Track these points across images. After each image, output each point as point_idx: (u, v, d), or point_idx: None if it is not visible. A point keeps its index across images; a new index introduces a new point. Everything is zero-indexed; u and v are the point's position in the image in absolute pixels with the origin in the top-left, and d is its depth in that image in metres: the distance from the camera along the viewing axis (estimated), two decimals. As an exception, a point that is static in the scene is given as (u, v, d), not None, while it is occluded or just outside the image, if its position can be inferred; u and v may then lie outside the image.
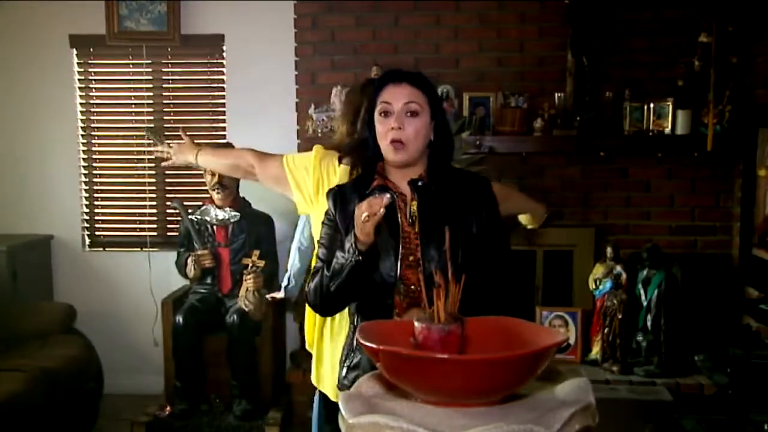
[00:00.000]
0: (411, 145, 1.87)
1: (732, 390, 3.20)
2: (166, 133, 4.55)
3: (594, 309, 3.79)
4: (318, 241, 2.02)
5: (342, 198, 1.97)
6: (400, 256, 1.87)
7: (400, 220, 1.90)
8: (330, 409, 2.51)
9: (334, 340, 2.41)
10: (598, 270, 3.79)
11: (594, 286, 3.78)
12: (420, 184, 1.90)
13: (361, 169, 2.16)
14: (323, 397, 2.53)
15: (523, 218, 3.04)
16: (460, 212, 1.89)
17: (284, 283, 3.42)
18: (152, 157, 4.51)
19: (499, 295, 1.88)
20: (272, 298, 3.72)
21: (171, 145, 2.82)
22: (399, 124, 1.86)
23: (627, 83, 4.00)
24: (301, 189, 2.44)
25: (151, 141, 3.03)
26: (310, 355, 2.60)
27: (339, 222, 1.95)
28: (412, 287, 1.87)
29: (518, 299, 2.02)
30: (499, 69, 4.17)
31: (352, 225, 1.87)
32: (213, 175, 3.83)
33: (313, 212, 2.47)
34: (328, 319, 2.46)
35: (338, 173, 2.41)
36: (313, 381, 2.53)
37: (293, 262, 3.27)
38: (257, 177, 2.57)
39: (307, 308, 2.59)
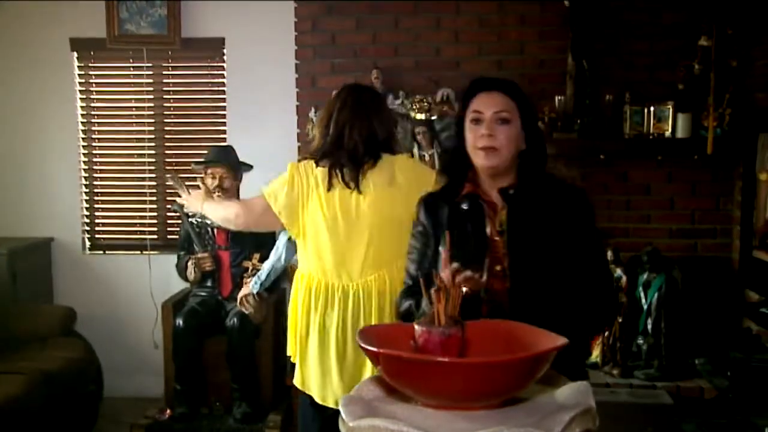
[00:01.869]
0: (503, 151, 1.84)
1: (732, 393, 3.20)
2: (167, 136, 4.57)
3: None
4: (407, 255, 2.02)
5: (431, 205, 1.97)
6: (486, 266, 1.84)
7: (488, 229, 1.88)
8: (315, 409, 2.58)
9: (321, 345, 2.48)
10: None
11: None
12: (511, 192, 1.88)
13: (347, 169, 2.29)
14: (312, 400, 2.59)
15: None
16: (551, 222, 1.86)
17: (260, 278, 3.38)
18: (153, 161, 4.55)
19: (590, 305, 1.85)
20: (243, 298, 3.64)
21: (190, 192, 2.94)
22: (490, 131, 1.84)
23: (627, 86, 4.00)
24: (289, 208, 2.48)
25: (176, 185, 3.18)
26: None
27: (429, 230, 1.95)
28: (497, 296, 1.85)
29: (611, 311, 1.98)
30: (500, 72, 4.15)
31: (442, 234, 1.88)
32: (213, 178, 3.84)
33: (305, 219, 2.51)
34: (314, 325, 2.51)
35: (317, 175, 2.47)
36: (297, 383, 2.60)
37: (279, 258, 3.26)
38: (248, 222, 2.63)
39: (290, 316, 2.63)
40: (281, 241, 3.27)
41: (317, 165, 2.49)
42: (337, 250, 2.48)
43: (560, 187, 1.93)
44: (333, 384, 2.51)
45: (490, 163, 1.85)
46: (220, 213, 2.71)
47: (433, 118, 3.81)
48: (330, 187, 2.44)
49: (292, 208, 2.49)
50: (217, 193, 3.83)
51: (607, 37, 4.03)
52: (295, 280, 2.62)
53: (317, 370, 2.53)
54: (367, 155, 2.45)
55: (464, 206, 1.90)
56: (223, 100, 4.50)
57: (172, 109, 4.60)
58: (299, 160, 2.62)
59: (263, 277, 3.36)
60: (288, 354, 2.71)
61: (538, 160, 1.91)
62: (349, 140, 2.45)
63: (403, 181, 2.48)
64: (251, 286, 3.37)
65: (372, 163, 2.45)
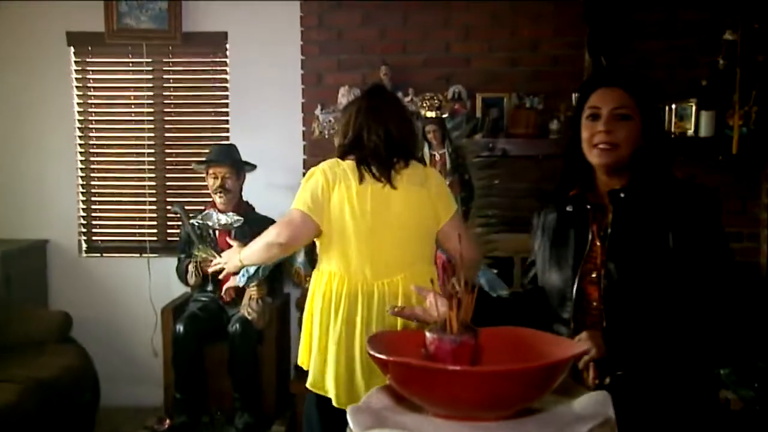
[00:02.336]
0: (621, 147, 1.81)
1: (759, 405, 3.18)
2: (167, 134, 4.58)
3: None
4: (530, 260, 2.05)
5: (542, 207, 2.00)
6: (580, 271, 1.84)
7: (591, 232, 1.86)
8: (328, 413, 2.59)
9: (344, 347, 2.47)
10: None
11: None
12: (622, 195, 1.83)
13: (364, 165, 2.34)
14: (319, 401, 2.60)
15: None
16: (662, 229, 1.78)
17: (248, 272, 3.35)
18: (152, 159, 4.56)
19: (701, 326, 1.76)
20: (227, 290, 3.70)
21: (221, 255, 2.95)
22: (607, 128, 1.81)
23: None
24: (317, 205, 2.51)
25: (204, 256, 3.37)
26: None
27: (536, 232, 1.98)
28: (594, 304, 1.84)
29: (727, 333, 1.81)
30: (513, 69, 4.17)
31: (546, 236, 1.92)
32: (215, 178, 3.85)
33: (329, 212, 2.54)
34: (334, 326, 2.51)
35: (344, 168, 2.51)
36: (312, 386, 2.58)
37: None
38: (290, 236, 2.55)
39: (306, 317, 2.63)
40: None
41: (344, 159, 2.57)
42: (364, 246, 2.49)
43: (683, 189, 1.84)
44: (358, 387, 2.50)
45: (606, 160, 1.82)
46: (261, 243, 2.64)
47: (444, 116, 3.82)
48: (361, 179, 2.48)
49: (319, 205, 2.50)
50: (219, 194, 3.84)
51: (625, 32, 4.02)
52: (314, 279, 2.62)
53: (340, 373, 2.52)
54: (392, 155, 2.52)
55: (568, 209, 1.90)
56: (226, 97, 4.51)
57: (172, 106, 4.61)
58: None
59: (251, 271, 3.34)
60: (299, 362, 2.69)
61: (656, 159, 1.85)
62: (368, 141, 2.53)
63: (434, 185, 2.58)
64: (237, 279, 3.36)
65: (404, 163, 2.52)
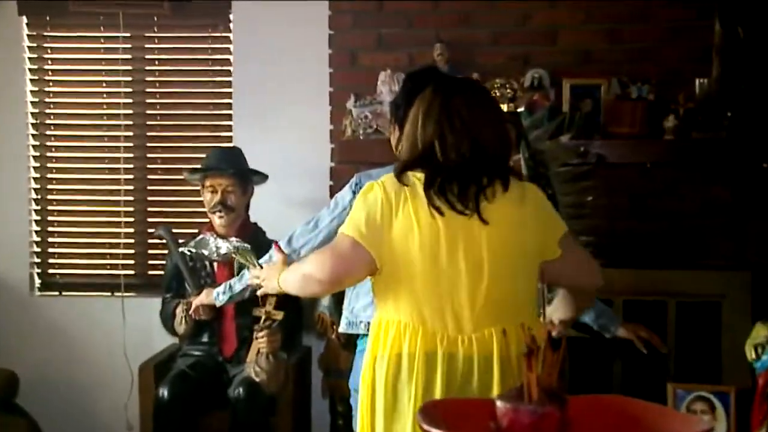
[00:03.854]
0: None
1: None
2: (150, 134, 4.64)
3: (755, 388, 3.74)
4: None
5: None
6: None
7: None
8: None
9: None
10: (761, 332, 3.75)
11: (754, 356, 3.74)
12: None
13: None
14: None
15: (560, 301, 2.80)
16: None
17: (232, 289, 3.35)
18: (131, 167, 4.63)
19: None
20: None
21: (262, 266, 2.95)
22: None
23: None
24: (374, 232, 2.43)
25: (242, 262, 3.25)
26: None
27: None
28: None
29: None
30: (613, 46, 4.17)
31: None
32: (214, 191, 3.89)
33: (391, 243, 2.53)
34: (408, 398, 2.45)
35: (414, 183, 2.48)
36: None
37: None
38: (337, 268, 2.47)
39: (365, 390, 2.59)
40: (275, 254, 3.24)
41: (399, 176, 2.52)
42: (440, 288, 2.43)
43: None
44: None
45: None
46: (298, 273, 2.62)
47: (519, 110, 3.85)
48: (435, 206, 2.43)
49: (376, 232, 2.44)
50: (218, 213, 3.89)
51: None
52: (375, 331, 2.56)
53: None
54: (482, 175, 2.45)
55: None
56: (228, 84, 4.57)
57: (157, 96, 4.68)
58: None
59: (237, 289, 3.35)
60: None
61: None
62: (443, 157, 2.46)
63: (532, 208, 2.50)
64: (214, 294, 3.40)
65: (501, 187, 2.44)
